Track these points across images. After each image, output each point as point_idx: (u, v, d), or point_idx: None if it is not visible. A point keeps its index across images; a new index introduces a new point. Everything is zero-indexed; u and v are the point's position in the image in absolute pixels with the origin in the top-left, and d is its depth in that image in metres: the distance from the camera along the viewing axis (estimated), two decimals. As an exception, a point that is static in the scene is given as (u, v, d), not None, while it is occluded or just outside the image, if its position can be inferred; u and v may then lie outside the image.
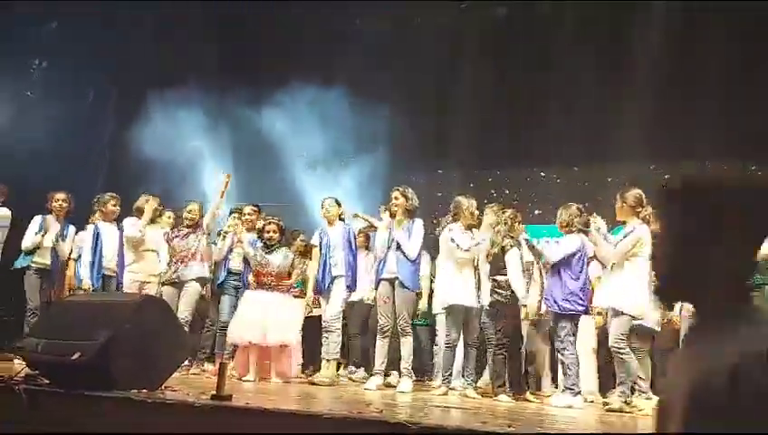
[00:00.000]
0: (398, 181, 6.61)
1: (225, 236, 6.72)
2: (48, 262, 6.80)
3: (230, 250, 6.75)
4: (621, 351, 5.11)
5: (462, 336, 5.99)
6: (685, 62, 8.42)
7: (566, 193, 7.35)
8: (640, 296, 5.19)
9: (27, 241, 6.79)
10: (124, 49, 9.99)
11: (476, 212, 6.01)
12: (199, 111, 9.87)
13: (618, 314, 5.16)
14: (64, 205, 6.88)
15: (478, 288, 5.91)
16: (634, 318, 5.23)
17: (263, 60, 10.05)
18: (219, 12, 9.82)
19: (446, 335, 5.97)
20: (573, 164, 9.47)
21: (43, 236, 6.74)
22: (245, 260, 6.69)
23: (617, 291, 5.21)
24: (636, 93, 8.72)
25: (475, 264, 5.95)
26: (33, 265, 6.75)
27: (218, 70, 9.84)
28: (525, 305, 5.52)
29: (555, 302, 5.69)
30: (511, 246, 5.67)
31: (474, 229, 6.06)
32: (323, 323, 6.42)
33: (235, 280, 6.72)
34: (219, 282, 6.75)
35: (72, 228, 7.00)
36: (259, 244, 6.46)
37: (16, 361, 5.26)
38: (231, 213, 7.12)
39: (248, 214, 6.88)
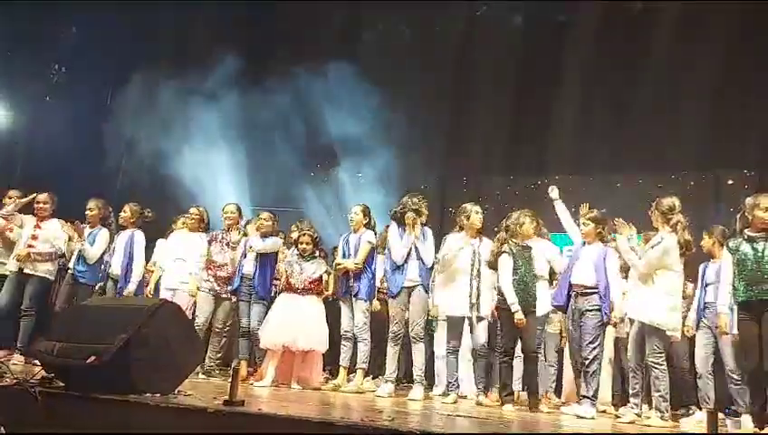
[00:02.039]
0: (411, 185, 6.56)
1: (235, 246, 6.76)
2: (70, 265, 6.96)
3: (243, 256, 6.77)
4: (659, 366, 5.03)
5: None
6: (703, 66, 8.40)
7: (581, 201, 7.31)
8: (676, 312, 5.14)
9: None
10: (141, 50, 10.10)
11: (476, 218, 5.95)
12: (218, 116, 9.96)
13: (656, 329, 5.07)
14: (93, 211, 6.96)
15: (477, 297, 5.86)
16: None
17: (279, 61, 10.12)
18: (233, 12, 9.92)
19: (447, 343, 5.99)
20: (588, 173, 9.47)
21: (70, 242, 6.94)
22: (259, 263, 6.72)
23: (653, 305, 5.09)
24: (656, 101, 8.71)
25: (476, 273, 5.90)
26: (67, 270, 7.00)
27: (233, 72, 9.91)
28: (517, 312, 5.46)
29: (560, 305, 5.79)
30: (503, 252, 5.64)
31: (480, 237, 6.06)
32: (342, 332, 6.42)
33: (247, 285, 6.74)
34: (234, 288, 6.76)
35: (104, 232, 6.97)
36: (295, 252, 6.55)
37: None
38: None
39: (264, 220, 6.89)
